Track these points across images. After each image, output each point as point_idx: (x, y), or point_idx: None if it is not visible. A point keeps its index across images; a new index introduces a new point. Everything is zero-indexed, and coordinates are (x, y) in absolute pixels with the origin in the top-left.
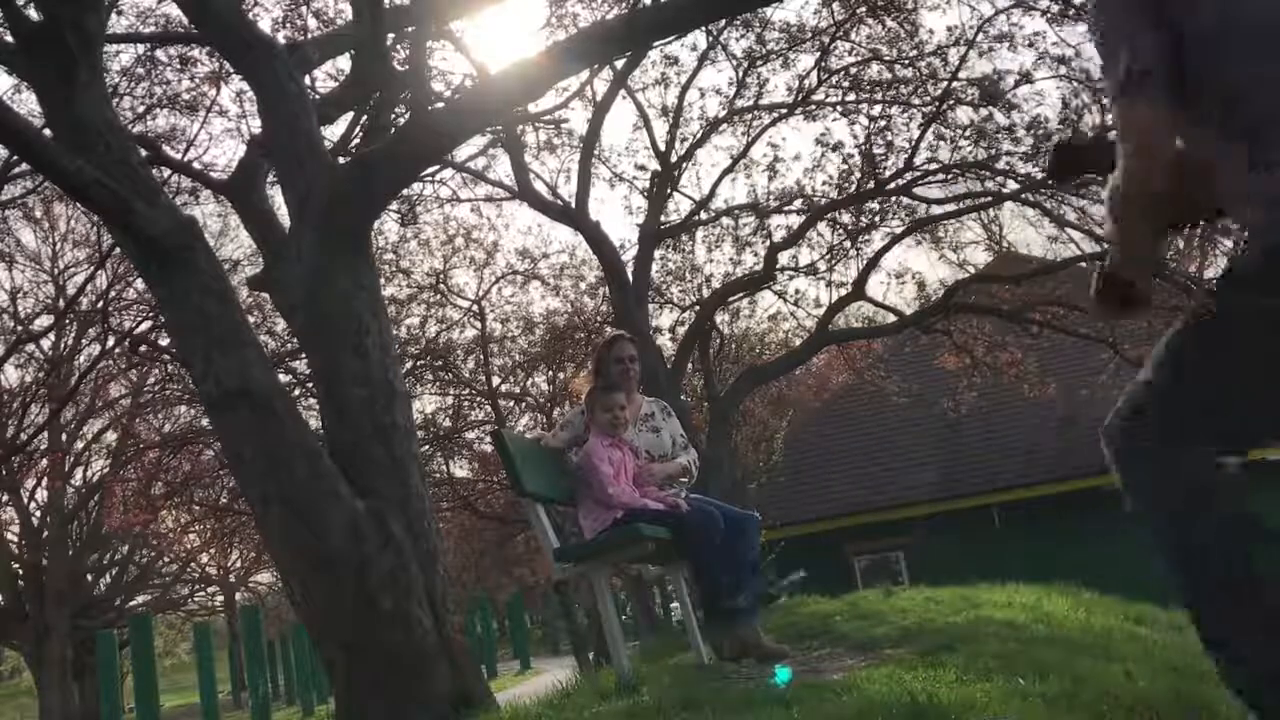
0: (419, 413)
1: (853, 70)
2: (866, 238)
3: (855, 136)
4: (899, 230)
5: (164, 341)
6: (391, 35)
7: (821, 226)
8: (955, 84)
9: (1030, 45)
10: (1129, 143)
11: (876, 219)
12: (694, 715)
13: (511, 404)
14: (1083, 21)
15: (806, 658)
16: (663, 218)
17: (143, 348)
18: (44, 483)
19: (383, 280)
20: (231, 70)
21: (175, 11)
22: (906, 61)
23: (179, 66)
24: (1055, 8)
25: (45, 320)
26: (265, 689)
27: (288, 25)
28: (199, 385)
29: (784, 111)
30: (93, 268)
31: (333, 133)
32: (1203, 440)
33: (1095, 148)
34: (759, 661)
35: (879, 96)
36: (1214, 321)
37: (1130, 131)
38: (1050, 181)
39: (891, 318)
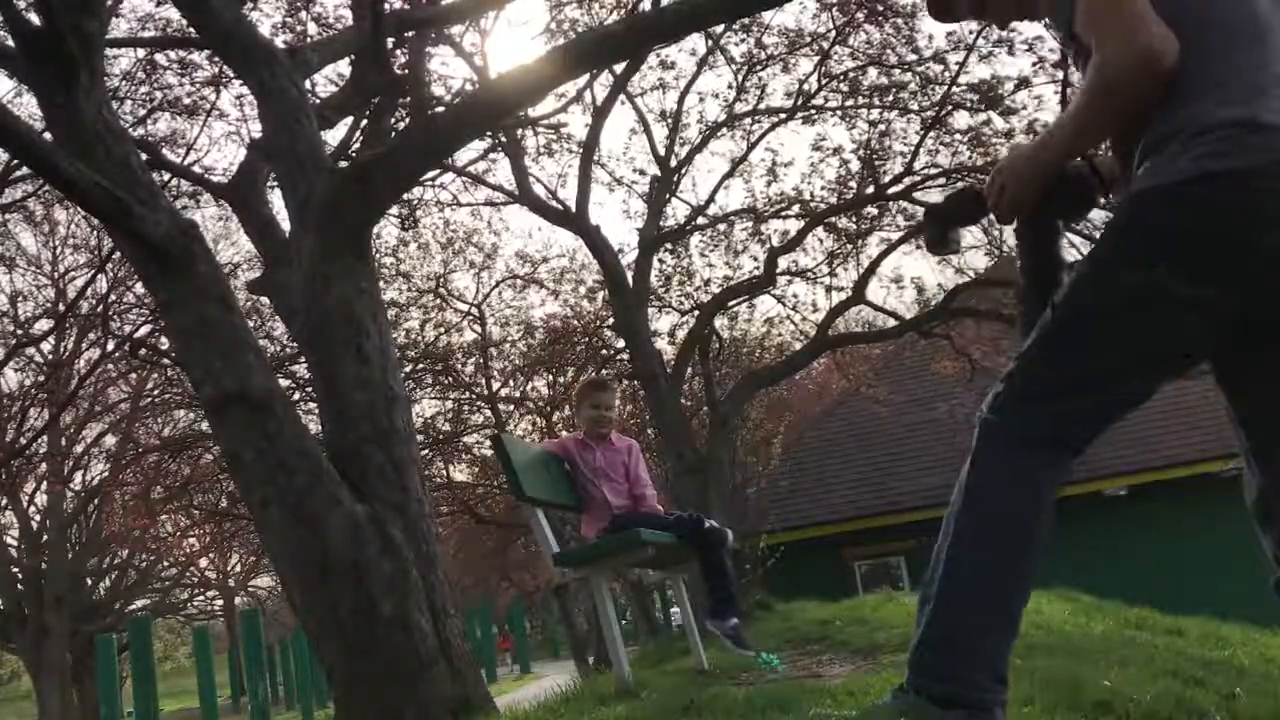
0: (418, 416)
1: (851, 74)
2: (865, 242)
3: (855, 141)
4: (898, 236)
5: (164, 345)
6: (392, 40)
7: (820, 231)
8: (955, 89)
9: (1029, 49)
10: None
11: (874, 224)
12: None
13: (511, 408)
14: None
15: (807, 663)
16: (661, 222)
17: (142, 351)
18: (43, 486)
19: (382, 284)
20: (231, 74)
21: (175, 15)
22: (905, 66)
23: (179, 70)
24: None
25: (45, 324)
26: (265, 693)
27: (287, 29)
28: (198, 389)
29: (783, 116)
30: (93, 271)
31: (333, 137)
32: None
33: (960, 199)
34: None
35: (878, 101)
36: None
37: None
38: (934, 252)
39: (891, 322)
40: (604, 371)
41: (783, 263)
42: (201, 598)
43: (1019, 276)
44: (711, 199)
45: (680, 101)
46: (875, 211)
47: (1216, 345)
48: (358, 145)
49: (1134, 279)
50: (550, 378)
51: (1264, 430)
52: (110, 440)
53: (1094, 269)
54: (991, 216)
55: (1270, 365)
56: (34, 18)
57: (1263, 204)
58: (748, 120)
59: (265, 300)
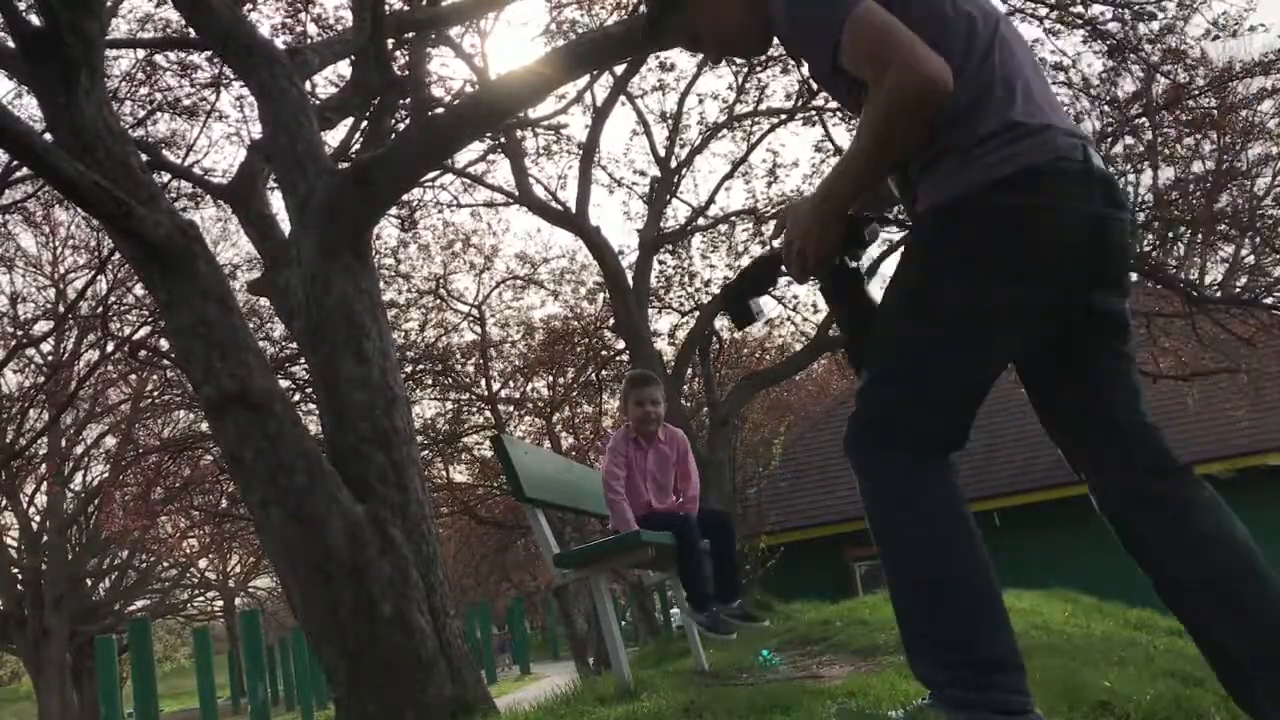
0: (418, 417)
1: None
2: None
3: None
4: (898, 236)
5: (164, 346)
6: (391, 40)
7: None
8: None
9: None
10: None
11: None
12: None
13: (511, 409)
14: (1079, 30)
15: (807, 663)
16: (662, 223)
17: (142, 352)
18: (43, 487)
19: (382, 284)
20: (231, 75)
21: (175, 16)
22: None
23: (179, 71)
24: (1053, 15)
25: (45, 325)
26: (264, 694)
27: (287, 30)
28: (198, 389)
29: (784, 117)
30: (93, 272)
31: (333, 137)
32: None
33: (754, 269)
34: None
35: None
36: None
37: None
38: (741, 328)
39: None
40: (604, 372)
41: None
42: (201, 598)
43: (840, 325)
44: (712, 200)
45: (680, 103)
46: None
47: (1031, 343)
48: (358, 145)
49: (951, 291)
50: (550, 378)
51: (1087, 431)
52: (110, 441)
53: (910, 289)
54: (786, 279)
55: (1081, 359)
56: (34, 18)
57: (1052, 202)
58: (748, 121)
59: (265, 300)
